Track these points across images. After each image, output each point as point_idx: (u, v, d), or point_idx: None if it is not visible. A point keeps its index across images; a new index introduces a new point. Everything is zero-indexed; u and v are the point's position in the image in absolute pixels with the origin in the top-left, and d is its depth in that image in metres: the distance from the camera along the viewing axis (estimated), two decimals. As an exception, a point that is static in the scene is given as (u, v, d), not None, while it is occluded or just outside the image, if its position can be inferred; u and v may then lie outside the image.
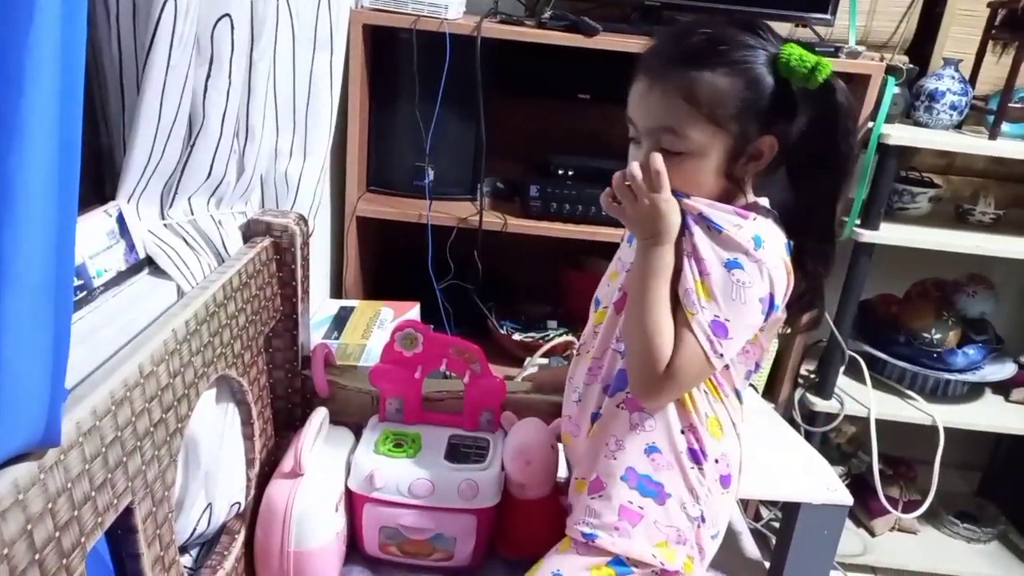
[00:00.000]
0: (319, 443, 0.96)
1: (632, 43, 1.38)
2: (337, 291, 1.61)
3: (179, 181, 0.88)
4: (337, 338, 1.36)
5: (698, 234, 0.78)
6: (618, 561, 0.84)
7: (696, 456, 0.85)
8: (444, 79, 1.44)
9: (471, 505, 0.93)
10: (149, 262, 0.84)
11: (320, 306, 1.47)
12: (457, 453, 0.98)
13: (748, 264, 0.76)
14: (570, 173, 1.53)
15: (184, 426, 0.73)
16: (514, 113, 1.70)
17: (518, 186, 1.61)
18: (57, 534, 0.52)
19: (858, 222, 1.55)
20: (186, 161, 0.87)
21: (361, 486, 0.94)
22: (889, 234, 1.55)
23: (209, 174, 0.90)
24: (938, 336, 1.71)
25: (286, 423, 1.05)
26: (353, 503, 0.96)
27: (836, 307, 1.66)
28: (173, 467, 0.71)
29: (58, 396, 0.50)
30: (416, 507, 0.93)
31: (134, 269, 0.82)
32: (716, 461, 0.86)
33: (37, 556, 0.50)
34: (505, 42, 1.46)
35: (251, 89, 0.92)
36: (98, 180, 0.87)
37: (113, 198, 0.82)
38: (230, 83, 0.86)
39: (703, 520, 0.87)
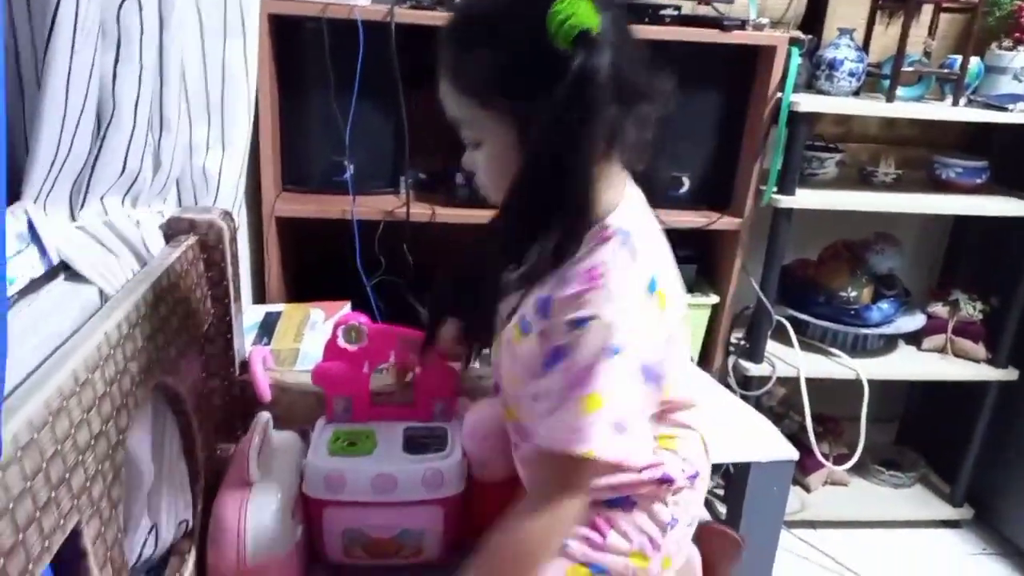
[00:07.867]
0: (266, 450, 0.90)
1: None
2: (260, 296, 1.53)
3: (90, 178, 0.80)
4: (267, 344, 1.29)
5: None
6: (593, 566, 0.79)
7: (663, 479, 0.80)
8: (359, 69, 1.39)
9: (437, 495, 0.90)
10: (64, 267, 0.76)
11: (244, 313, 1.39)
12: (415, 444, 0.94)
13: None
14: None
15: (125, 439, 0.66)
16: (429, 101, 1.65)
17: (442, 175, 1.58)
18: (1, 561, 0.46)
19: (775, 189, 1.61)
20: (97, 156, 0.79)
21: (319, 491, 0.88)
22: (805, 198, 1.61)
23: (123, 170, 0.83)
24: (854, 294, 1.79)
25: (227, 434, 0.98)
26: (311, 510, 0.90)
27: (761, 274, 1.71)
28: (118, 484, 0.64)
29: (-6, 403, 0.44)
30: (380, 504, 0.89)
31: (48, 276, 0.74)
32: (682, 471, 0.82)
33: (-20, 590, 0.44)
34: (414, 27, 1.41)
35: (163, 77, 0.85)
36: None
37: (18, 199, 0.74)
38: (141, 68, 0.79)
39: (676, 521, 0.82)
